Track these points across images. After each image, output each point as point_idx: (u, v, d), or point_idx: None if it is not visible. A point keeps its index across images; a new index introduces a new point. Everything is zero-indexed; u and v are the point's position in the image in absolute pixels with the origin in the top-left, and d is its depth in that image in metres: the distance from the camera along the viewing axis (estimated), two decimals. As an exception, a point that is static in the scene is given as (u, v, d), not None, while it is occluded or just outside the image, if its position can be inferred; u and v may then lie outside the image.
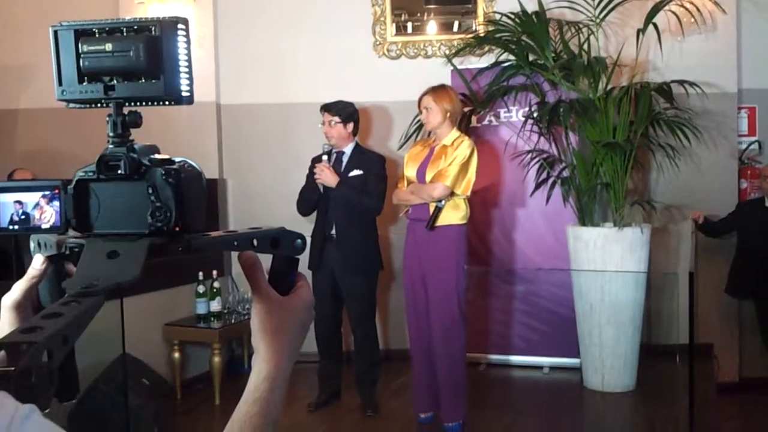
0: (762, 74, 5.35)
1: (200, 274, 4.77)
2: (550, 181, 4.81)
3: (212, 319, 4.79)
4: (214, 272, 4.87)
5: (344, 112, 4.33)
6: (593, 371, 4.70)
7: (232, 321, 4.86)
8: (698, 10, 4.94)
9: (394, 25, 5.51)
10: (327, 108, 4.34)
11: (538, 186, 4.85)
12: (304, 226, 4.14)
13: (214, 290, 4.83)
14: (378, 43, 5.49)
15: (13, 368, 0.58)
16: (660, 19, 4.79)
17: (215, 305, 4.82)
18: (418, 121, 4.73)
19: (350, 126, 4.35)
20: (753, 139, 5.43)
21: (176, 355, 4.71)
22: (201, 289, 4.78)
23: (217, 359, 4.63)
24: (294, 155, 5.23)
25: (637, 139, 4.66)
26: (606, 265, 4.53)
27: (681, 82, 4.81)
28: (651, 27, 4.73)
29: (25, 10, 5.49)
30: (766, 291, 4.70)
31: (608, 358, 4.63)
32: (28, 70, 5.43)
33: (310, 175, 4.33)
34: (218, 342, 4.65)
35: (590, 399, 4.66)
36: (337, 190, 4.18)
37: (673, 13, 4.91)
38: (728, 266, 4.98)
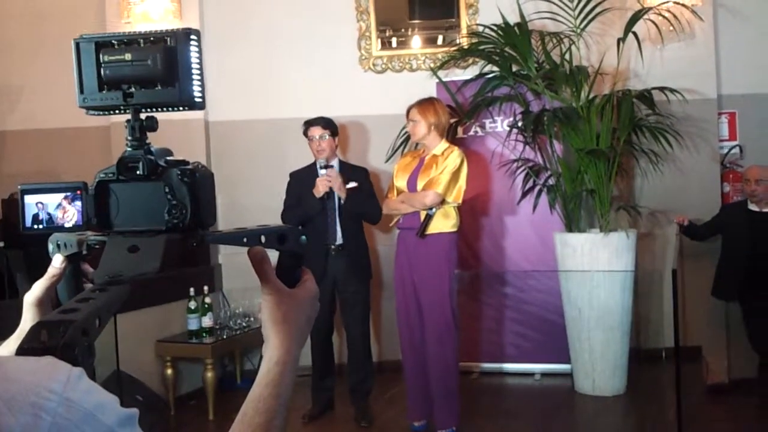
0: (741, 80, 5.46)
1: (191, 290, 4.78)
2: (537, 189, 4.88)
3: (204, 334, 4.80)
4: (206, 288, 4.88)
5: (332, 125, 4.40)
6: (584, 376, 4.75)
7: (224, 336, 4.87)
8: (676, 18, 5.05)
9: (379, 40, 5.58)
10: (315, 123, 4.39)
11: (524, 194, 4.91)
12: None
13: (206, 306, 4.84)
14: (363, 57, 5.56)
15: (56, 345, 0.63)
16: (639, 27, 4.90)
17: (207, 321, 4.83)
18: (406, 133, 4.80)
19: (336, 139, 4.43)
20: (734, 143, 5.53)
21: (169, 371, 4.71)
22: (192, 305, 4.79)
23: (209, 374, 4.64)
24: (282, 170, 5.25)
25: (620, 145, 4.74)
26: (593, 270, 4.59)
27: (662, 89, 4.90)
28: (631, 36, 4.84)
29: (12, 32, 5.52)
30: (751, 292, 4.77)
31: (598, 362, 4.68)
32: (15, 91, 5.46)
33: (298, 189, 4.37)
34: (211, 357, 4.66)
35: (581, 403, 4.71)
36: (350, 199, 4.25)
37: (652, 21, 5.02)
38: (714, 269, 5.05)
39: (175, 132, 5.42)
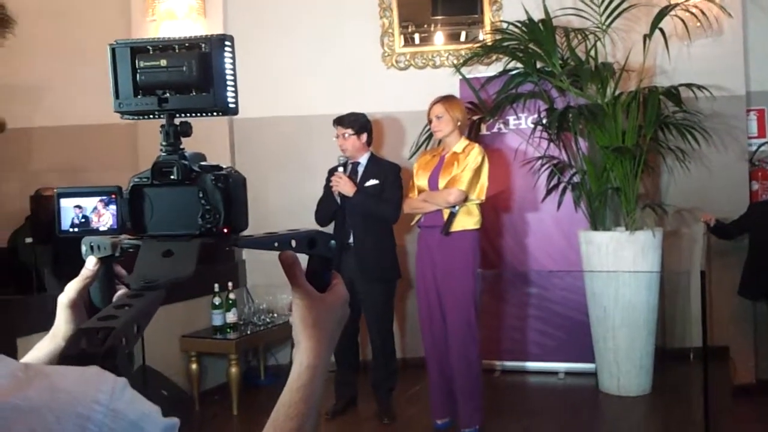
0: (770, 76, 5.38)
1: (216, 286, 4.81)
2: (561, 186, 4.84)
3: (228, 330, 4.83)
4: (230, 284, 4.91)
5: (356, 123, 4.38)
6: (608, 375, 4.71)
7: (248, 332, 4.90)
8: (704, 14, 4.98)
9: (402, 36, 5.57)
10: (339, 121, 4.40)
11: (549, 192, 4.88)
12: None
13: (230, 302, 4.87)
14: (387, 54, 5.55)
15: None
16: (666, 24, 4.84)
17: (231, 317, 4.86)
18: (429, 130, 4.78)
19: (364, 137, 4.40)
20: (763, 140, 5.45)
21: (194, 366, 4.75)
22: (217, 300, 4.83)
23: (234, 370, 4.67)
24: (306, 167, 5.29)
25: (646, 143, 4.69)
26: (618, 269, 4.55)
27: (689, 86, 4.83)
28: (657, 32, 4.77)
29: (37, 29, 5.57)
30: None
31: (623, 361, 4.64)
32: (41, 88, 5.51)
33: (328, 185, 4.38)
34: (235, 353, 4.69)
35: (606, 403, 4.67)
36: (354, 198, 4.23)
37: (679, 18, 4.95)
38: (741, 268, 4.98)
39: (199, 129, 5.43)
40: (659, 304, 4.77)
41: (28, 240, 4.47)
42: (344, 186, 4.23)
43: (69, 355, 0.66)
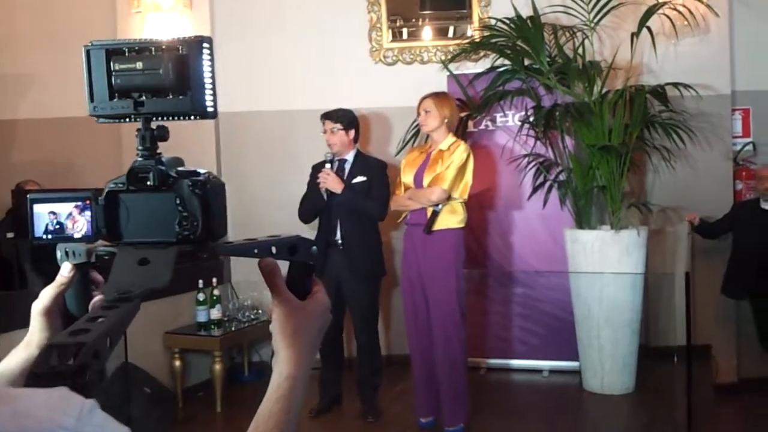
0: (755, 76, 5.40)
1: (200, 282, 4.78)
2: (547, 184, 4.84)
3: (212, 326, 4.80)
4: (214, 280, 4.87)
5: (345, 119, 4.35)
6: (592, 374, 4.73)
7: (233, 329, 4.87)
8: (691, 13, 5.00)
9: (389, 31, 5.55)
10: (328, 116, 4.36)
11: (535, 190, 4.88)
12: (305, 234, 4.15)
13: (214, 298, 4.84)
14: (374, 49, 5.53)
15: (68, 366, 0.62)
16: (654, 22, 4.85)
17: (215, 313, 4.83)
18: (416, 126, 4.77)
19: (351, 133, 4.37)
20: (747, 140, 5.48)
21: (177, 363, 4.72)
22: (201, 297, 4.79)
23: (218, 367, 4.64)
24: (292, 162, 5.25)
25: (632, 141, 4.70)
26: (603, 267, 4.56)
27: (675, 85, 4.85)
28: (645, 30, 4.79)
29: (23, 21, 5.51)
30: (761, 291, 4.74)
31: (607, 360, 4.65)
32: (26, 80, 5.45)
33: (312, 182, 4.35)
34: (219, 350, 4.66)
35: (590, 401, 4.69)
36: (342, 195, 4.20)
37: (667, 16, 4.96)
38: (724, 267, 5.01)
39: (185, 123, 5.41)
40: (643, 303, 4.79)
41: (10, 235, 4.41)
42: (332, 182, 4.20)
43: (38, 374, 0.64)
